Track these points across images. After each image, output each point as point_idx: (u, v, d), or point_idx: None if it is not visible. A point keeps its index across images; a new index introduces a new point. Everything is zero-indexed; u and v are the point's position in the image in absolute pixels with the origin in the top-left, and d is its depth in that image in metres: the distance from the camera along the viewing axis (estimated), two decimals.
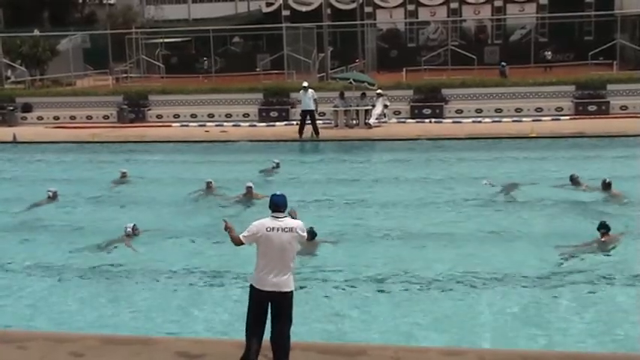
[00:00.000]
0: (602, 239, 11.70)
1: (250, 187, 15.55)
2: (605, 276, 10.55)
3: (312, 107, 24.28)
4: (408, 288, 10.38)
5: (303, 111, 24.46)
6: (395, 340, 8.65)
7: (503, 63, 34.95)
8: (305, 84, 25.01)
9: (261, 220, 7.34)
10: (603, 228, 11.76)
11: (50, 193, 15.90)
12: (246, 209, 14.87)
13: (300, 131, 24.26)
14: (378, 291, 10.34)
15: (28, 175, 20.00)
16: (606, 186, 15.07)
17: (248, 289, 7.44)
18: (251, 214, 13.95)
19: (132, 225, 12.89)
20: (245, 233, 7.33)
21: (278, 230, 7.20)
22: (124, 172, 18.31)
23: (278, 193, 7.47)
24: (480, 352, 7.97)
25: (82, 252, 12.40)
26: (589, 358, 8.02)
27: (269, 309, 7.33)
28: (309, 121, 24.25)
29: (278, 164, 18.97)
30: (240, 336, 7.54)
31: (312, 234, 11.52)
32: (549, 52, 39.61)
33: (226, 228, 7.47)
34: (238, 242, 7.37)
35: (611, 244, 11.73)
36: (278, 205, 7.34)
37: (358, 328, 9.15)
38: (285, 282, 7.26)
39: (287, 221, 7.32)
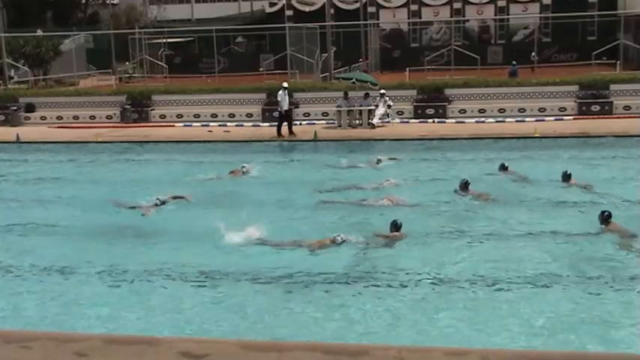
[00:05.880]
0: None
1: None
2: None
3: None
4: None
5: None
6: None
7: (514, 62, 34.91)
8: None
9: None
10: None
11: (157, 201, 15.17)
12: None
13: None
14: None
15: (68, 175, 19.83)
16: (566, 177, 15.80)
17: None
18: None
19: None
20: None
21: None
22: (245, 166, 18.03)
23: None
24: (484, 352, 7.94)
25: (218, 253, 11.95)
26: (589, 358, 8.02)
27: None
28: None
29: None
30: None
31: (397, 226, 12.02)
32: (534, 54, 39.32)
33: None
34: None
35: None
36: None
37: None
38: None
39: None
